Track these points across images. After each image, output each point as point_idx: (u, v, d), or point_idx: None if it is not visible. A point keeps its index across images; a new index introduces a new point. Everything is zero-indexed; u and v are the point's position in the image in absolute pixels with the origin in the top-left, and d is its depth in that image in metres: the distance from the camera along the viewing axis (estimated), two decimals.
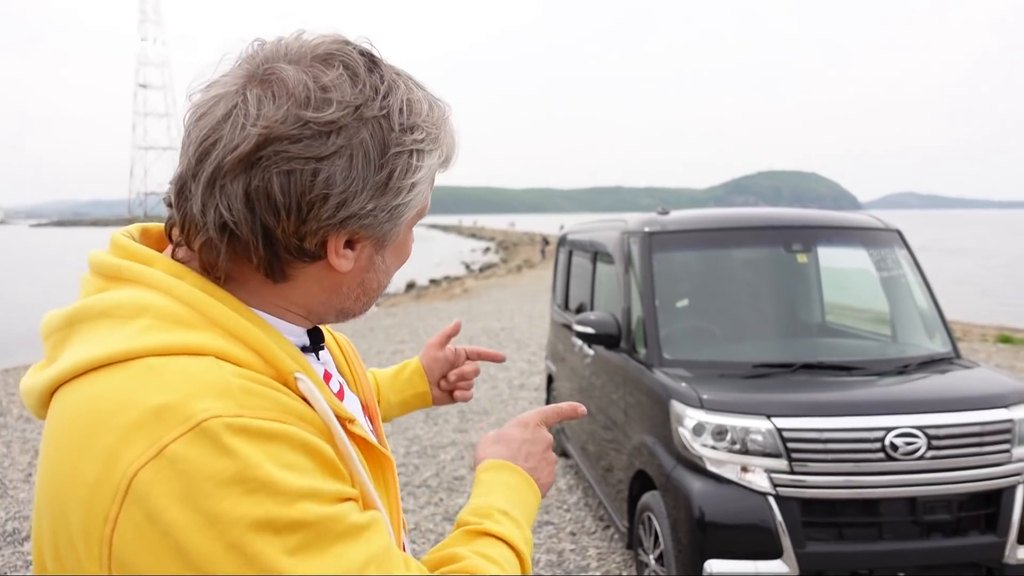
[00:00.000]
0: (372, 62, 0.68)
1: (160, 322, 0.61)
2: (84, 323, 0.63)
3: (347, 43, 0.69)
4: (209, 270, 0.67)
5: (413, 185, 0.69)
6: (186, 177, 0.65)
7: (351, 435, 0.70)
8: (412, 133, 0.68)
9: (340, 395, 0.80)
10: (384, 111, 0.66)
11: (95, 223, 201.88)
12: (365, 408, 0.89)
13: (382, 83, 0.67)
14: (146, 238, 0.74)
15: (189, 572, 0.53)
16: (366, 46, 0.70)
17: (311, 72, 0.65)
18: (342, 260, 0.69)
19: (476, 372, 1.20)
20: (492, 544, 0.77)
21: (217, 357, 0.60)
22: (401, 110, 0.67)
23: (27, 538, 4.20)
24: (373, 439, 0.75)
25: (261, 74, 0.65)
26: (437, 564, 0.74)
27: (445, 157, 0.73)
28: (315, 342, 0.79)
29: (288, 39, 0.68)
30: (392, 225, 0.70)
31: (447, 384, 1.19)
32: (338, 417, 0.67)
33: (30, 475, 5.26)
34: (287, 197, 0.63)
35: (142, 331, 0.60)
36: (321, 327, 0.82)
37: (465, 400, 1.20)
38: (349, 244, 0.70)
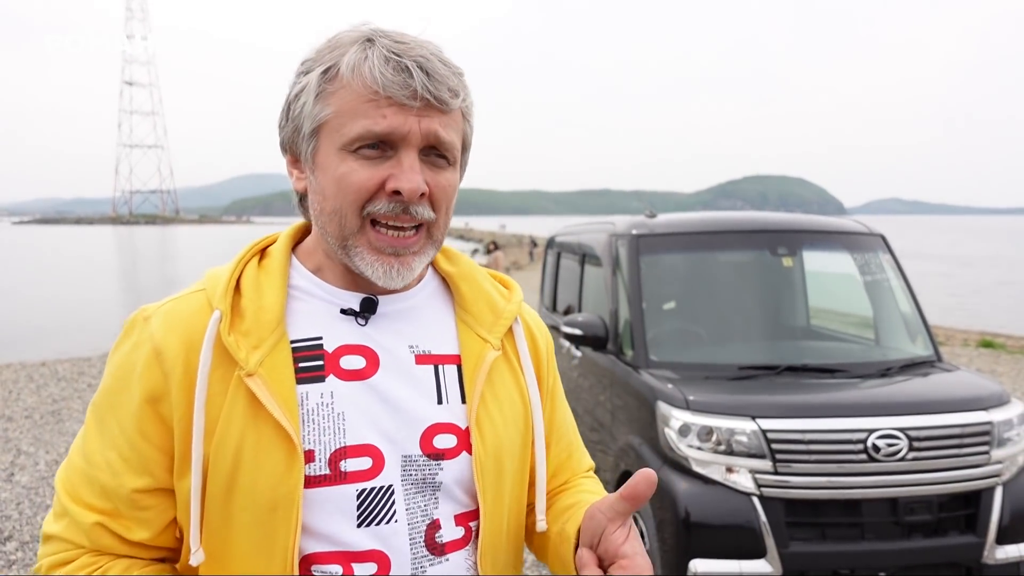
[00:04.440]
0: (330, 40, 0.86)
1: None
2: None
3: (348, 31, 0.85)
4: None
5: (297, 96, 0.84)
6: None
7: (245, 388, 0.79)
8: (303, 66, 0.85)
9: (362, 373, 0.85)
10: (304, 67, 0.85)
11: (79, 221, 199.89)
12: (460, 431, 0.88)
13: (318, 53, 0.85)
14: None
15: None
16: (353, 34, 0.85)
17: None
18: (296, 181, 0.89)
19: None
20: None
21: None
22: (309, 59, 0.85)
23: (9, 538, 4.16)
24: (278, 413, 0.78)
25: None
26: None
27: (331, 65, 0.81)
28: (366, 309, 0.88)
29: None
30: (300, 139, 0.84)
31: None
32: (239, 363, 0.79)
33: (12, 475, 5.20)
34: None
35: None
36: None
37: None
38: (296, 166, 0.88)
